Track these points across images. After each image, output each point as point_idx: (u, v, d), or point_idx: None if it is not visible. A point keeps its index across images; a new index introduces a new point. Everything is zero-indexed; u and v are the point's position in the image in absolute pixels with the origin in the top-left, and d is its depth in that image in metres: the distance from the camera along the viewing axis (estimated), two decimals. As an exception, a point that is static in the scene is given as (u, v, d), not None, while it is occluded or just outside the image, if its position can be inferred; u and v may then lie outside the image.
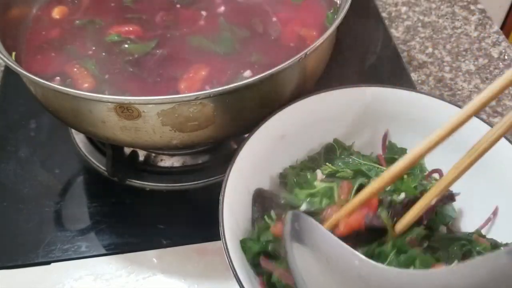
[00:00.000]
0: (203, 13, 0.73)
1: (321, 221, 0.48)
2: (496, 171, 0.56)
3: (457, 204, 0.58)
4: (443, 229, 0.56)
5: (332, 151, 0.63)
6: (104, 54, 0.67)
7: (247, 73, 0.64)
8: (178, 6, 0.74)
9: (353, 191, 0.52)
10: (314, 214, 0.50)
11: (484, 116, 0.80)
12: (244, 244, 0.53)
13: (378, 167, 0.59)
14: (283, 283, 0.50)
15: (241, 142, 0.57)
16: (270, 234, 0.53)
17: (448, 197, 0.56)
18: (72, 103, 0.55)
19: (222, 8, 0.74)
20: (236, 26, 0.70)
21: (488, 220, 0.57)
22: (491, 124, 0.58)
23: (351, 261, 0.43)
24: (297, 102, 0.60)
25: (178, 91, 0.62)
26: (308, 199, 0.53)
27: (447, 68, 0.89)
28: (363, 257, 0.43)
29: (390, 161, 0.59)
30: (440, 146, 0.46)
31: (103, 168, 0.72)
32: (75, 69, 0.64)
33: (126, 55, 0.66)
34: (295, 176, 0.59)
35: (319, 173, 0.58)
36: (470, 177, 0.47)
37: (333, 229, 0.48)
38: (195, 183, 0.70)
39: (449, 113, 0.60)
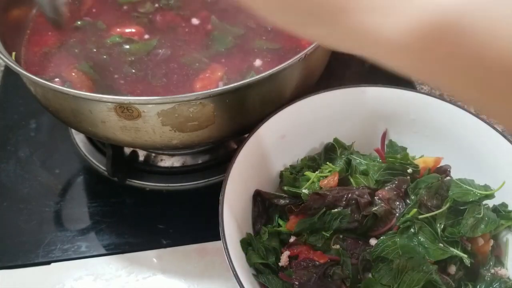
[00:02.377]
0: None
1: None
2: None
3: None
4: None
5: (332, 151, 0.63)
6: (104, 56, 0.67)
7: (257, 62, 0.65)
8: (156, 5, 0.74)
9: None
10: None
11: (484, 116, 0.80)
12: (244, 246, 0.53)
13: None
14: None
15: (241, 142, 0.57)
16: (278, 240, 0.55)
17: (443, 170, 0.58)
18: (72, 103, 0.55)
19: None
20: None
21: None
22: (490, 123, 0.59)
23: None
24: (297, 102, 0.60)
25: (180, 91, 0.62)
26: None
27: (447, 68, 0.88)
28: None
29: (391, 158, 0.59)
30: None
31: (103, 168, 0.71)
32: (73, 74, 0.64)
33: (127, 56, 0.67)
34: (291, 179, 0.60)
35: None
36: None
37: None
38: (195, 183, 0.70)
39: (449, 112, 0.60)
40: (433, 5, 0.27)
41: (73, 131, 0.76)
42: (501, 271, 0.53)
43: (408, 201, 0.55)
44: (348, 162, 0.60)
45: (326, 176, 0.58)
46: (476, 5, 0.26)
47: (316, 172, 0.60)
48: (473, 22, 0.26)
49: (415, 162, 0.59)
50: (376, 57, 0.32)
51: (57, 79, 0.64)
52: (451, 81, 0.29)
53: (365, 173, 0.59)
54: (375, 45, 0.30)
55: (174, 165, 0.73)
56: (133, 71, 0.65)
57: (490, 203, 0.56)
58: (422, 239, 0.51)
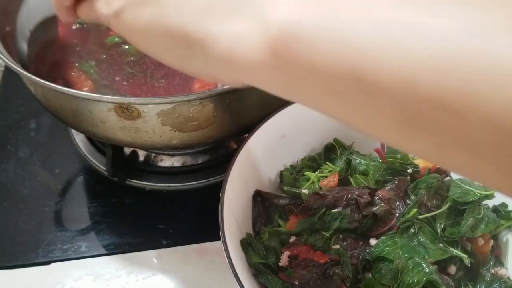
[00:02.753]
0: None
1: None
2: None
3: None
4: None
5: (332, 151, 0.63)
6: (104, 56, 0.67)
7: None
8: None
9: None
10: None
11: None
12: (244, 246, 0.53)
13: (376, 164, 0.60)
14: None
15: (241, 142, 0.57)
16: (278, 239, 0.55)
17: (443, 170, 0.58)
18: (72, 103, 0.55)
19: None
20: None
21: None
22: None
23: None
24: (297, 102, 0.60)
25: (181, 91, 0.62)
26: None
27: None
28: None
29: (391, 158, 0.59)
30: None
31: (103, 168, 0.71)
32: (73, 74, 0.64)
33: (127, 56, 0.67)
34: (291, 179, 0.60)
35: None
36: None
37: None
38: (195, 183, 0.70)
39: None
40: (274, 18, 0.26)
41: (73, 131, 0.76)
42: (501, 271, 0.54)
43: (408, 201, 0.55)
44: (348, 162, 0.60)
45: (326, 176, 0.58)
46: (310, 19, 0.25)
47: (316, 172, 0.60)
48: (306, 37, 0.25)
49: (415, 162, 0.59)
50: (255, 84, 0.31)
51: (57, 80, 0.64)
52: (303, 97, 0.29)
53: (365, 173, 0.59)
54: (245, 70, 0.29)
55: (174, 165, 0.73)
56: (133, 71, 0.65)
57: (490, 203, 0.56)
58: (422, 239, 0.51)
